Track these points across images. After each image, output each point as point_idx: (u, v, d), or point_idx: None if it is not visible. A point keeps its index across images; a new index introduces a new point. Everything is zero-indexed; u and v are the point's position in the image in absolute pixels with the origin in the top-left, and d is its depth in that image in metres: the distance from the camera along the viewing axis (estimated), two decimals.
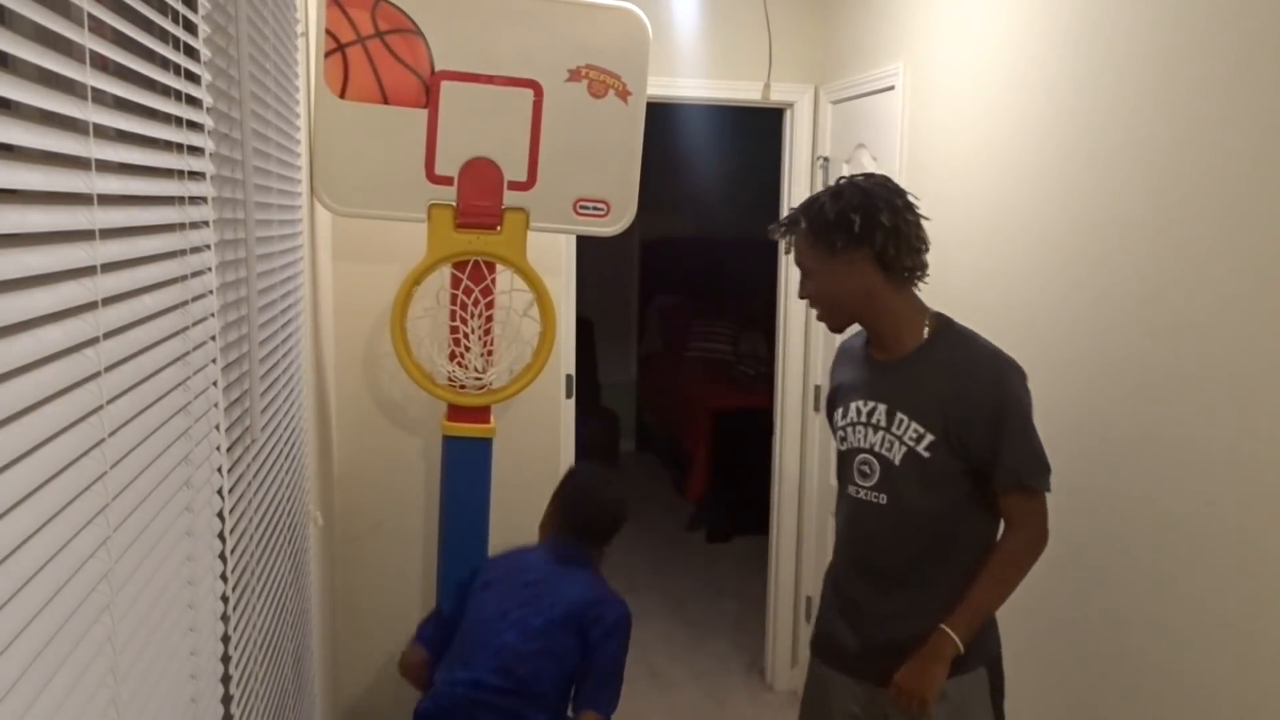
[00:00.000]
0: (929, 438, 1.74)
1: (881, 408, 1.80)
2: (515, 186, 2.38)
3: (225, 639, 1.26)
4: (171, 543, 1.02)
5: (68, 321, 0.78)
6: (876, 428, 1.81)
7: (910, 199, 1.81)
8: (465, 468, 2.50)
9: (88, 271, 0.81)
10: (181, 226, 1.09)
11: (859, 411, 1.84)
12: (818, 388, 3.44)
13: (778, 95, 3.34)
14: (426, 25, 2.25)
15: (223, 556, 1.26)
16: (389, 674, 3.12)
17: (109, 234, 0.86)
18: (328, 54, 2.22)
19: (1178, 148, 1.75)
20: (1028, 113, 2.20)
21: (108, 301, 0.84)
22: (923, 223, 1.82)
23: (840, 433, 1.90)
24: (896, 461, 1.77)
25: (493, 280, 2.44)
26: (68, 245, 0.79)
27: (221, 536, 1.26)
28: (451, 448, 2.50)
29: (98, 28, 0.84)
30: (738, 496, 4.98)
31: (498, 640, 2.09)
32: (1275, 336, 1.54)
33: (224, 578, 1.26)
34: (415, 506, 3.06)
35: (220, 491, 1.24)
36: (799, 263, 1.86)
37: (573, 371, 3.20)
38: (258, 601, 1.49)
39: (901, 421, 1.77)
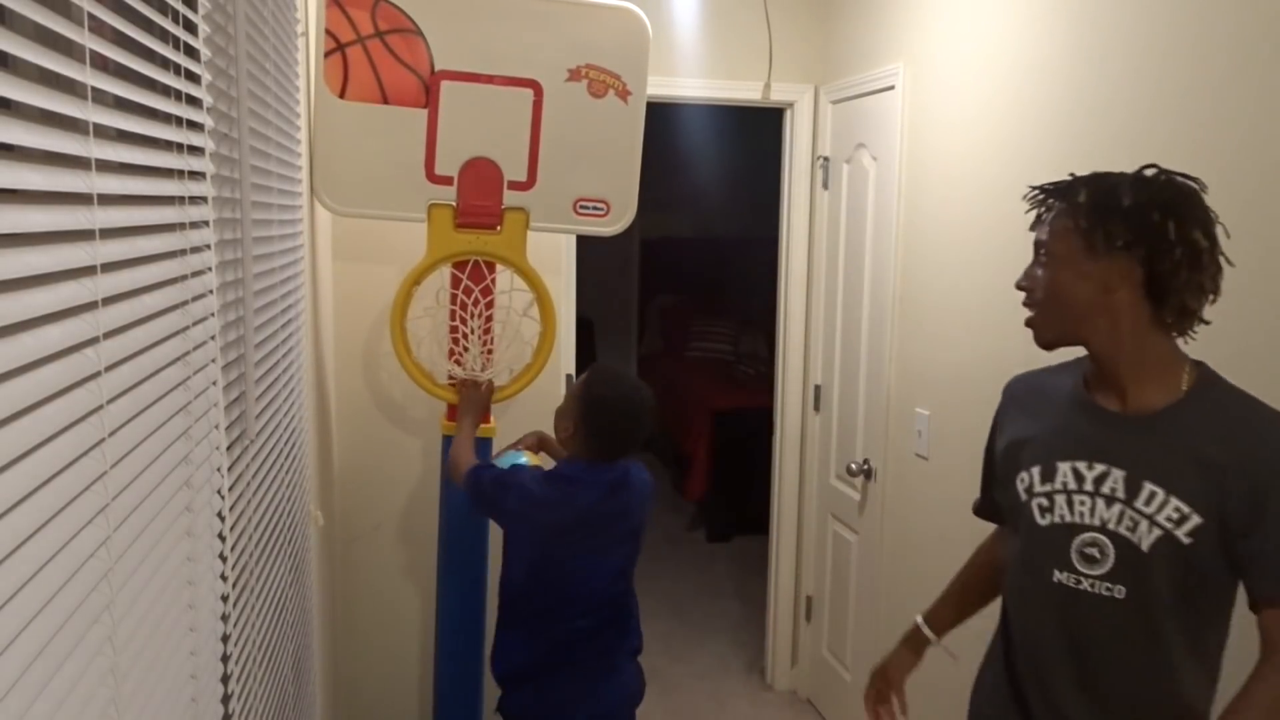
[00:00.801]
0: (1194, 520, 1.30)
1: (1118, 474, 1.37)
2: (515, 186, 2.38)
3: (225, 639, 1.26)
4: (171, 543, 1.03)
5: (68, 321, 0.78)
6: (1111, 500, 1.37)
7: (1220, 230, 1.34)
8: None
9: (88, 271, 0.81)
10: (181, 226, 1.09)
11: (1078, 476, 1.41)
12: (818, 387, 3.44)
13: (778, 95, 3.34)
14: (426, 25, 2.25)
15: (222, 556, 1.26)
16: (389, 674, 3.13)
17: (109, 234, 0.87)
18: (327, 54, 2.22)
19: (1176, 146, 1.75)
20: (1027, 112, 2.21)
21: (108, 301, 0.84)
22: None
23: (1039, 500, 1.44)
24: (1145, 547, 1.34)
25: (492, 280, 2.44)
26: (68, 245, 0.79)
27: (221, 536, 1.26)
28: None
29: (98, 28, 0.84)
30: (738, 496, 4.98)
31: (585, 593, 2.10)
32: (1276, 334, 1.54)
33: (224, 578, 1.26)
34: (415, 506, 3.06)
35: (220, 491, 1.24)
36: (1041, 240, 1.43)
37: (573, 371, 3.20)
38: (257, 601, 1.49)
39: (1153, 496, 1.33)
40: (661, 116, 3.47)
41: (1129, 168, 1.85)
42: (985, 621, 1.70)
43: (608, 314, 6.66)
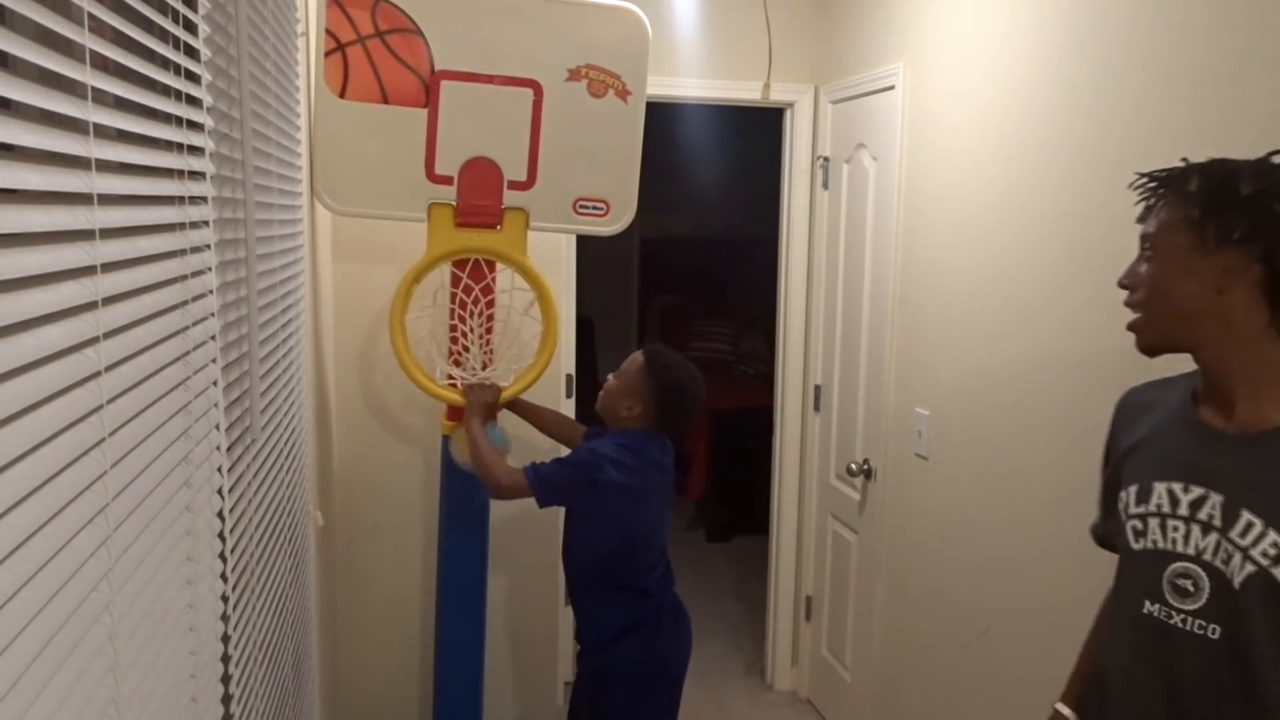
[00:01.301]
0: None
1: (1215, 499, 1.22)
2: (515, 186, 2.37)
3: (225, 639, 1.26)
4: (171, 543, 1.03)
5: (68, 321, 0.78)
6: (1207, 527, 1.23)
7: None
8: (465, 468, 2.50)
9: (88, 271, 0.81)
10: (181, 226, 1.09)
11: (1173, 499, 1.27)
12: (818, 387, 3.44)
13: (778, 95, 3.34)
14: (426, 25, 2.25)
15: (222, 556, 1.26)
16: (389, 673, 3.13)
17: (109, 234, 0.87)
18: (328, 54, 2.22)
19: (1177, 146, 1.75)
20: (1028, 111, 2.20)
21: (108, 301, 0.84)
22: None
23: (1134, 523, 1.32)
24: (1236, 583, 1.19)
25: (492, 279, 2.44)
26: (68, 245, 0.79)
27: (221, 536, 1.26)
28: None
29: (98, 28, 0.84)
30: (738, 496, 4.98)
31: (658, 545, 2.42)
32: None
33: (224, 577, 1.26)
34: (415, 506, 3.06)
35: (220, 491, 1.24)
36: (1147, 233, 1.30)
37: (573, 371, 3.20)
38: (257, 601, 1.49)
39: (1250, 527, 1.18)
40: (661, 116, 3.46)
41: (1130, 167, 1.85)
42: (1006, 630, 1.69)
43: (608, 314, 6.65)
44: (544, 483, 2.21)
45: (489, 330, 2.47)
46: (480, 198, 2.36)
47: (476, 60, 2.29)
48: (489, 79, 2.30)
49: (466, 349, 2.46)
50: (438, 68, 2.27)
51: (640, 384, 2.27)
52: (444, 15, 2.26)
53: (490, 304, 2.45)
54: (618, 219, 2.46)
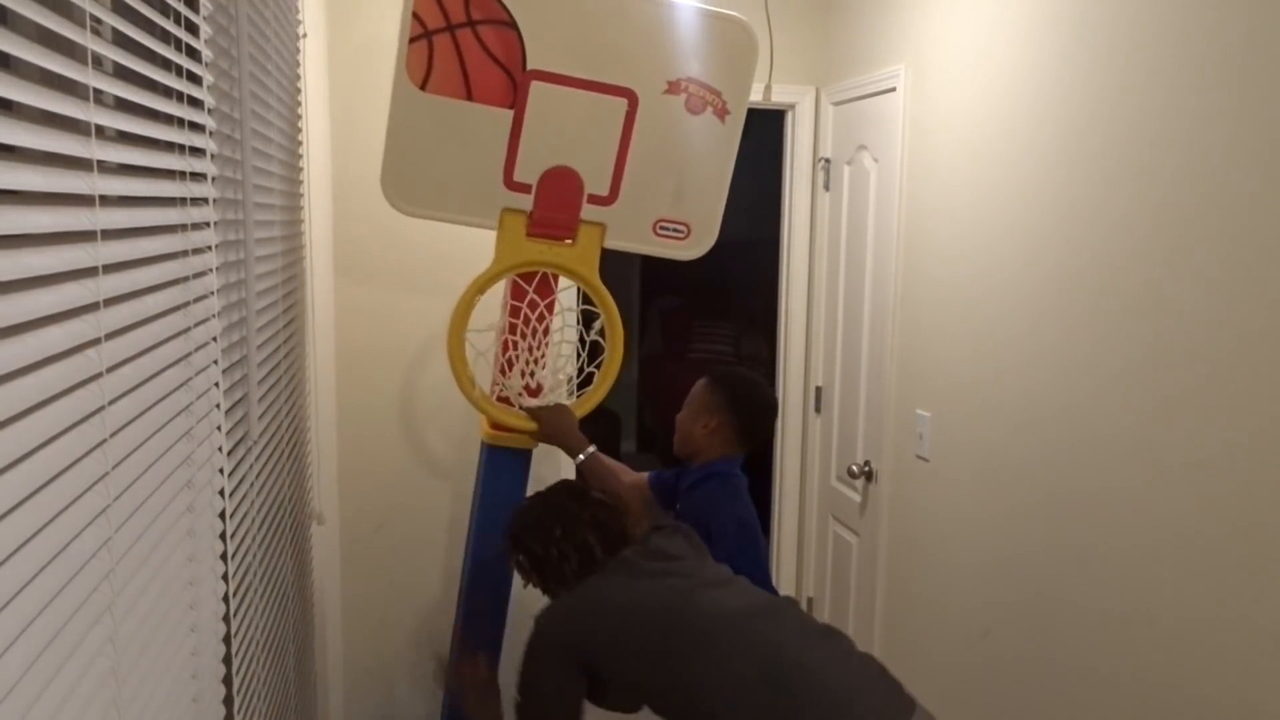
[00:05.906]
0: None
1: None
2: (595, 200, 2.18)
3: (227, 639, 1.26)
4: (173, 543, 1.03)
5: (70, 322, 0.78)
6: None
7: None
8: (503, 477, 2.35)
9: (90, 272, 0.81)
10: (183, 227, 1.09)
11: None
12: (818, 388, 3.44)
13: (779, 97, 3.34)
14: (523, 18, 2.05)
15: (224, 557, 1.26)
16: (388, 674, 3.13)
17: (111, 235, 0.87)
18: (412, 40, 2.01)
19: (1177, 149, 1.75)
20: (1029, 114, 2.20)
21: (109, 302, 0.84)
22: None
23: None
24: None
25: (556, 296, 2.26)
26: (70, 246, 0.79)
27: (223, 537, 1.26)
28: (492, 456, 2.35)
29: (100, 29, 0.84)
30: None
31: None
32: (1274, 335, 1.54)
33: (226, 578, 1.26)
34: (418, 507, 3.06)
35: (222, 492, 1.24)
36: None
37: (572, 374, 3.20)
38: (259, 601, 1.50)
39: None
40: None
41: (1129, 169, 1.85)
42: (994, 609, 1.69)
43: None
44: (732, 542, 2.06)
45: (543, 345, 2.27)
46: (557, 209, 2.17)
47: (573, 62, 2.09)
48: (584, 84, 2.10)
49: (513, 364, 2.25)
50: (530, 66, 2.08)
51: (708, 398, 2.20)
52: (544, 10, 2.06)
53: (548, 319, 2.25)
54: (697, 244, 2.29)
